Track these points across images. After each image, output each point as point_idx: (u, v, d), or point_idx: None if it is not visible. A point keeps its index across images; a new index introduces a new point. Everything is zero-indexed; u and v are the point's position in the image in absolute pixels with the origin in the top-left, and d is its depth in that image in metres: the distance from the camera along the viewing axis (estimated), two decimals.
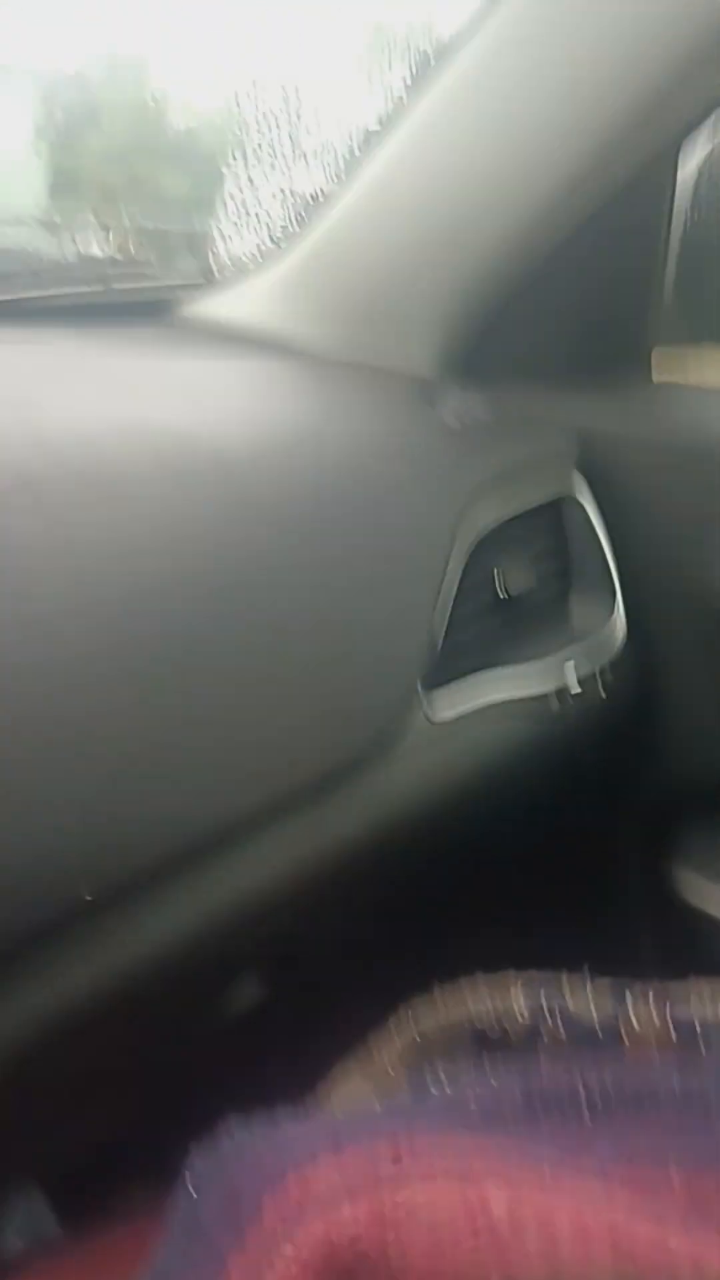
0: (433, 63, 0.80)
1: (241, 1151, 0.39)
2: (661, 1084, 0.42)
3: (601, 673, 0.81)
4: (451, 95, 0.81)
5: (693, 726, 0.86)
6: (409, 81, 0.82)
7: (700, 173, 0.90)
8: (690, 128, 0.78)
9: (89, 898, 0.51)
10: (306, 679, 0.64)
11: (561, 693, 0.78)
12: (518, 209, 0.81)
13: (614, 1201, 0.35)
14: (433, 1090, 0.51)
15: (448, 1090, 0.50)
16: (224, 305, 0.97)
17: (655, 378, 0.91)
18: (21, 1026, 0.53)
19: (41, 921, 0.51)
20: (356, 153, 0.89)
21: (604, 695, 0.81)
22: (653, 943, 0.89)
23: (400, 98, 0.83)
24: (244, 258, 0.97)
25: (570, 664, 0.79)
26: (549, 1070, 0.43)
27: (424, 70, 0.81)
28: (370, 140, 0.87)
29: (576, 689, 0.78)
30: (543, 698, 0.77)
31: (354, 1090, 0.56)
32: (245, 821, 0.60)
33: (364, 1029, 0.56)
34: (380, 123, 0.86)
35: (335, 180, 0.91)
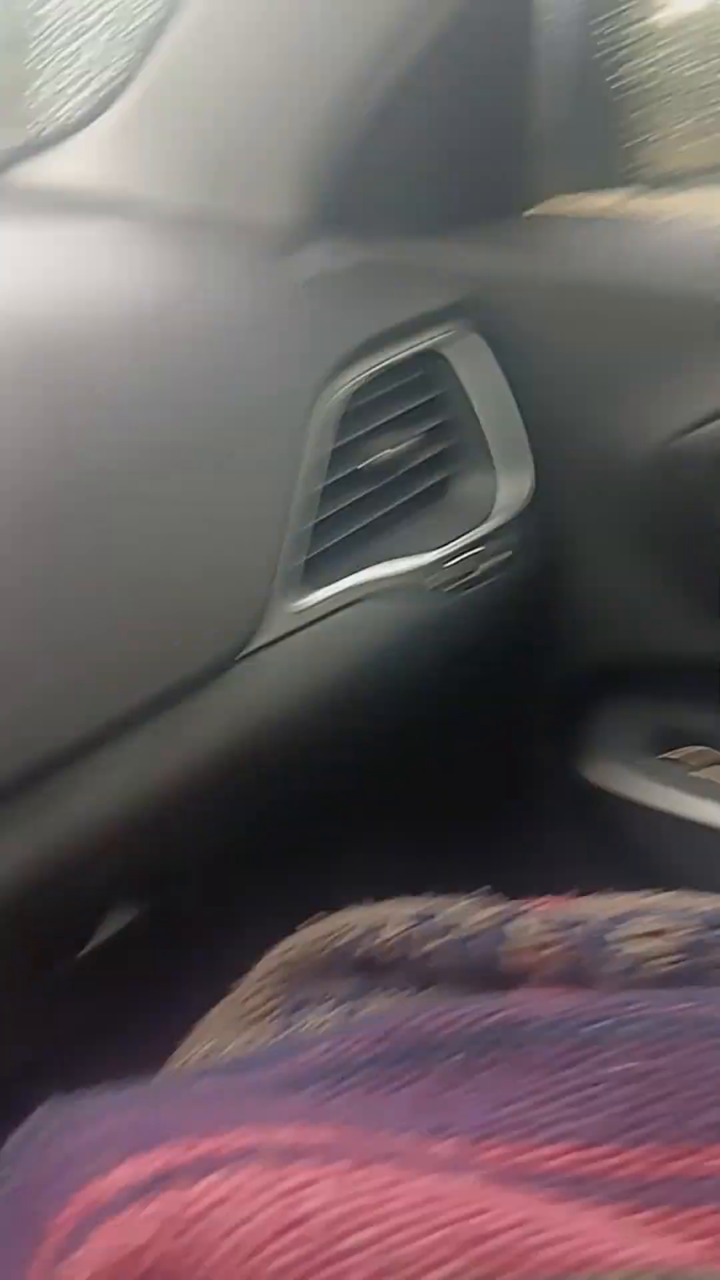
0: None
1: (40, 1153, 0.33)
2: (539, 1014, 0.36)
3: (494, 544, 0.74)
4: None
5: (599, 599, 0.79)
6: None
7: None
8: None
9: None
10: (151, 580, 0.57)
11: (444, 569, 0.71)
12: (363, 27, 0.72)
13: (466, 1174, 0.28)
14: (296, 1029, 0.45)
15: (307, 1029, 0.44)
16: (49, 167, 0.86)
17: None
18: None
19: None
20: None
21: (497, 569, 0.74)
22: (564, 836, 0.84)
23: None
24: (72, 112, 0.86)
25: (453, 538, 0.72)
26: (405, 1007, 0.36)
27: None
28: None
29: (462, 563, 0.71)
30: (423, 576, 0.70)
31: (220, 1031, 0.50)
32: (88, 740, 0.54)
33: (243, 962, 0.50)
34: None
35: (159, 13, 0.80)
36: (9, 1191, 0.32)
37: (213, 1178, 0.28)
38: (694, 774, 0.79)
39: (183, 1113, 0.31)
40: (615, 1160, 0.28)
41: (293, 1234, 0.26)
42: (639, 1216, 0.27)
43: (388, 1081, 0.34)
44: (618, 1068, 0.32)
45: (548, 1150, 0.29)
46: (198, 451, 0.61)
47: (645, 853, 0.78)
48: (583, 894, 0.44)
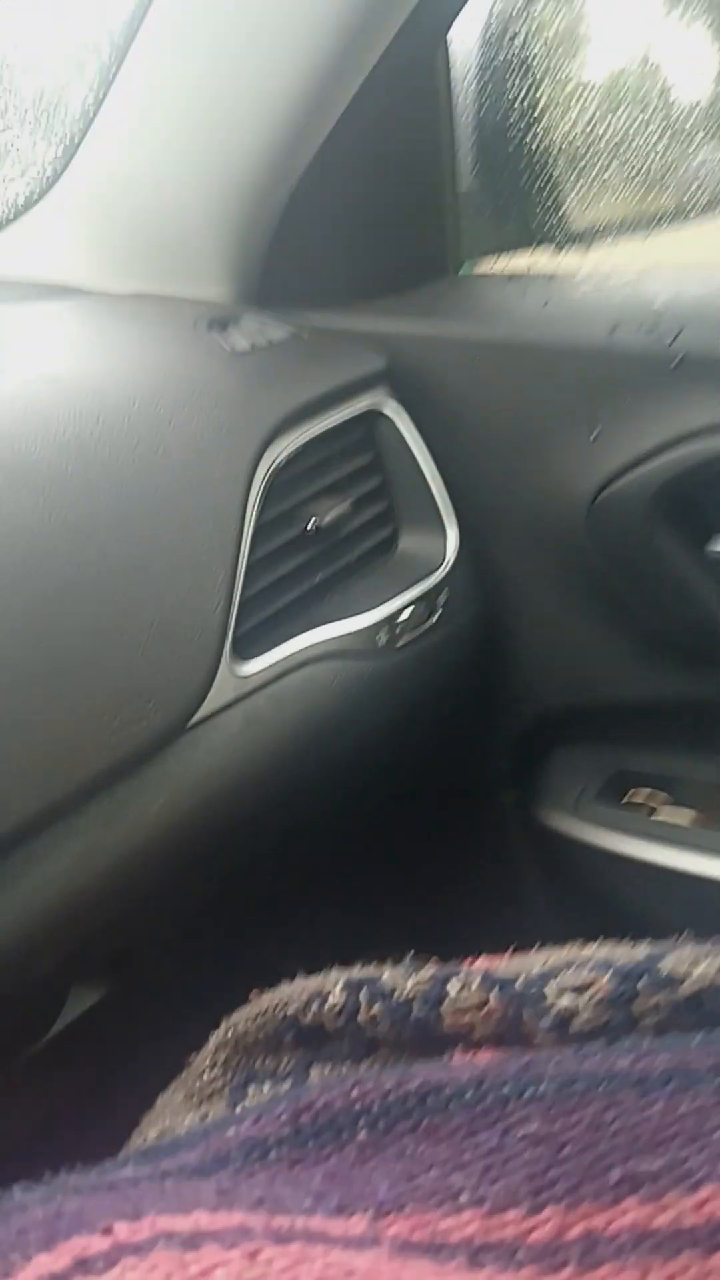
0: None
1: None
2: (455, 1079, 0.36)
3: (434, 601, 0.75)
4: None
5: (541, 648, 0.80)
6: None
7: (483, 65, 0.83)
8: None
9: None
10: (93, 653, 0.57)
11: (390, 627, 0.71)
12: (278, 107, 0.73)
13: (371, 1250, 0.28)
14: (242, 1105, 0.45)
15: (251, 1105, 0.44)
16: None
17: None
18: None
19: None
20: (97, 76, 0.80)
21: (442, 624, 0.74)
22: (525, 883, 0.84)
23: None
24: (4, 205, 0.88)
25: (397, 595, 0.72)
26: (322, 1086, 0.36)
27: None
28: (110, 59, 0.78)
29: (407, 620, 0.72)
30: (369, 636, 0.70)
31: (175, 1111, 0.50)
32: (34, 821, 0.53)
33: (197, 1038, 0.49)
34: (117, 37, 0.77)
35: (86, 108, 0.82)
36: None
37: (125, 1263, 0.28)
38: (649, 817, 0.79)
39: (100, 1201, 0.31)
40: (521, 1226, 0.28)
41: None
42: None
43: (302, 1158, 0.34)
44: (524, 1130, 0.31)
45: (453, 1220, 0.29)
46: (136, 521, 0.61)
47: (604, 897, 0.78)
48: (532, 945, 0.44)
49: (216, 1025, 0.48)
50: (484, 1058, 0.38)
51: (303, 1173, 0.33)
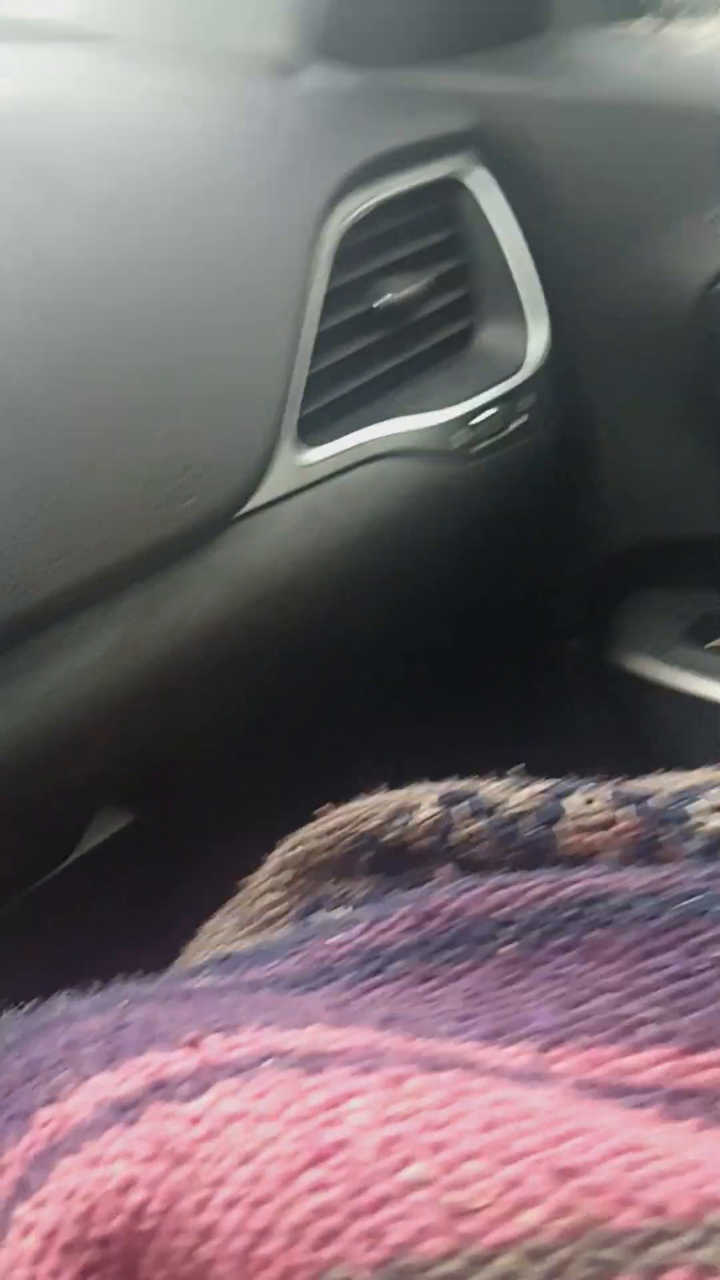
0: None
1: None
2: (624, 888, 0.28)
3: (516, 405, 0.65)
4: None
5: (633, 471, 0.71)
6: None
7: None
8: None
9: None
10: (136, 420, 0.49)
11: (465, 429, 0.62)
12: None
13: (544, 1088, 0.21)
14: (310, 926, 0.38)
15: (327, 923, 0.37)
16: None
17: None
18: None
19: None
20: None
21: (525, 430, 0.66)
22: (596, 726, 0.76)
23: None
24: None
25: (475, 394, 0.63)
26: (454, 888, 0.29)
27: None
28: None
29: (486, 422, 0.63)
30: (443, 435, 0.61)
31: (226, 939, 0.43)
32: (66, 599, 0.46)
33: (249, 866, 0.43)
34: None
35: None
36: None
37: (222, 1087, 0.21)
38: None
39: (180, 1010, 0.24)
40: None
41: (333, 1161, 0.19)
42: None
43: (435, 972, 0.27)
44: (715, 953, 0.25)
45: (639, 1058, 0.23)
46: (190, 266, 0.53)
47: (686, 745, 0.70)
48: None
49: (257, 853, 0.41)
50: (645, 870, 0.30)
51: (436, 990, 0.26)
